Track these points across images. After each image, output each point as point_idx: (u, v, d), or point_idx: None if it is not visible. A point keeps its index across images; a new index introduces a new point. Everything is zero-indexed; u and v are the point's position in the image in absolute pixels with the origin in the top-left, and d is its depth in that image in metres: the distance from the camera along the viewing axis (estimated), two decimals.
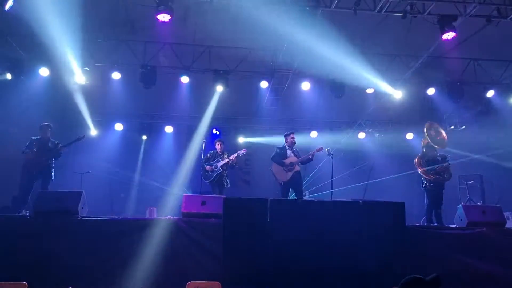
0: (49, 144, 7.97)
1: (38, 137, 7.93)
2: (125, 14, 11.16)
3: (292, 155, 8.59)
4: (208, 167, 8.73)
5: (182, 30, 11.68)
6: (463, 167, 11.52)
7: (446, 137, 8.75)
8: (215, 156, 8.92)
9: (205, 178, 8.79)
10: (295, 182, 8.53)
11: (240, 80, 11.20)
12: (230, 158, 8.71)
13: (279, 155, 8.61)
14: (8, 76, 9.87)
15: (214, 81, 10.85)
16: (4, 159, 7.71)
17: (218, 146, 9.05)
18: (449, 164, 8.26)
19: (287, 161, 8.51)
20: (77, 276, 5.75)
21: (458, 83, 11.00)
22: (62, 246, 5.94)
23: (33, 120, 8.14)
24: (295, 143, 8.76)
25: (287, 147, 8.69)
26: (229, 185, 8.94)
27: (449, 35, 8.16)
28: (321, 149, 8.62)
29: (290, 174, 8.46)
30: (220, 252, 5.82)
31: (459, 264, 6.34)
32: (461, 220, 7.14)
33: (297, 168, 8.51)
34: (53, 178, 8.00)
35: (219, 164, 8.75)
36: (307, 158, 8.64)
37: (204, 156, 8.96)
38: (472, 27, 9.36)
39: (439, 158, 8.28)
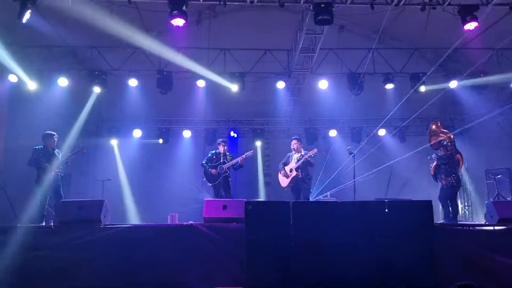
0: (55, 153, 7.86)
1: (41, 147, 7.77)
2: (140, 22, 11.26)
3: (295, 160, 8.36)
4: (213, 171, 8.40)
5: (197, 34, 11.72)
6: (490, 160, 11.22)
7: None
8: (219, 158, 8.55)
9: (210, 181, 8.48)
10: (294, 188, 8.41)
11: (257, 81, 11.12)
12: (239, 160, 8.44)
13: (284, 161, 8.61)
14: (31, 85, 10.01)
15: (230, 83, 10.81)
16: (28, 169, 7.79)
17: (221, 148, 8.65)
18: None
19: (287, 167, 8.46)
20: (102, 285, 5.77)
21: (482, 75, 10.65)
22: (86, 255, 5.97)
23: (54, 130, 8.19)
24: (296, 148, 8.47)
25: (293, 153, 8.54)
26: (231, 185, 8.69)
27: (471, 26, 7.85)
28: (315, 151, 8.40)
29: (287, 180, 8.41)
30: (243, 256, 5.74)
31: (491, 263, 6.09)
32: (492, 216, 6.87)
33: (294, 173, 8.30)
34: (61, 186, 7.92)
35: (225, 166, 8.44)
36: (302, 163, 8.26)
37: (206, 158, 8.71)
38: (494, 16, 9.09)
39: None
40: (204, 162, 8.64)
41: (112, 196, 8.63)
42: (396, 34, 11.88)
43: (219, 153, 8.61)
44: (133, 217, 10.66)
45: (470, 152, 12.94)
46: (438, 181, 8.37)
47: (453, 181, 8.12)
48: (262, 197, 12.57)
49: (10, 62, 9.34)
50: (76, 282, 5.73)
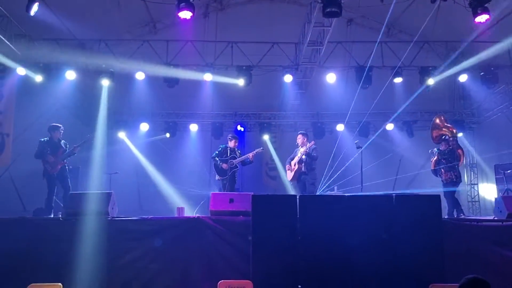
0: (62, 145, 7.93)
1: (47, 139, 7.84)
2: (147, 14, 11.25)
3: (300, 154, 8.49)
4: (224, 165, 8.52)
5: (204, 27, 11.69)
6: (499, 155, 11.10)
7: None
8: (229, 152, 8.65)
9: (220, 174, 8.58)
10: (299, 182, 8.52)
11: (264, 75, 11.05)
12: (250, 156, 8.61)
13: (292, 156, 8.72)
14: (38, 78, 10.04)
15: (237, 77, 10.74)
16: (36, 161, 7.84)
17: (232, 143, 8.79)
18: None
19: (292, 162, 8.62)
20: (110, 277, 5.80)
21: (492, 68, 10.49)
22: (93, 247, 5.99)
23: (62, 122, 8.23)
24: (301, 143, 8.58)
25: (299, 148, 8.64)
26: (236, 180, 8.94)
27: (482, 18, 7.73)
28: (312, 144, 8.48)
29: (291, 174, 8.56)
30: (250, 250, 5.74)
31: (500, 258, 6.03)
32: (501, 211, 6.80)
33: (297, 167, 8.41)
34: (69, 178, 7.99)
35: (235, 161, 8.59)
36: (304, 156, 8.39)
37: (216, 152, 8.83)
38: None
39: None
40: (214, 156, 8.76)
41: (120, 189, 8.62)
42: (405, 27, 11.75)
43: (229, 147, 8.72)
44: (140, 210, 10.67)
45: (479, 146, 12.83)
46: (438, 175, 8.33)
47: (453, 176, 8.11)
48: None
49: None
50: (84, 274, 5.76)
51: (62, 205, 7.81)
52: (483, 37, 9.85)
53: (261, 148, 9.10)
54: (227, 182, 8.48)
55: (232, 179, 8.62)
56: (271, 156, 13.77)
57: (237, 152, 8.75)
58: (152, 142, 12.87)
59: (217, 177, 8.71)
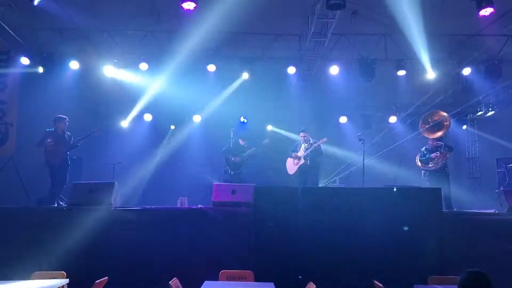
0: (65, 136, 8.04)
1: (52, 129, 7.97)
2: (151, 5, 11.19)
3: (304, 149, 8.64)
4: (237, 159, 8.74)
5: (207, 18, 11.60)
6: (502, 149, 11.08)
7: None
8: (236, 147, 9.04)
9: (233, 169, 8.80)
10: (302, 176, 8.64)
11: (267, 67, 11.02)
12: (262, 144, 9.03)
13: (293, 149, 8.89)
14: (40, 69, 10.06)
15: (240, 69, 10.73)
16: (41, 151, 7.91)
17: (241, 141, 9.25)
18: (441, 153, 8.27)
19: (298, 155, 8.74)
20: (112, 266, 5.87)
21: (496, 62, 10.44)
22: (97, 236, 6.07)
23: (65, 112, 8.28)
24: (304, 141, 8.72)
25: (301, 142, 8.80)
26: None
27: (486, 11, 7.69)
28: (324, 140, 8.58)
29: (295, 167, 8.73)
30: (252, 241, 5.80)
31: (501, 252, 6.07)
32: (501, 205, 6.84)
33: (302, 161, 8.59)
34: (69, 169, 8.07)
35: (245, 154, 8.96)
36: (311, 151, 8.55)
37: (225, 147, 9.01)
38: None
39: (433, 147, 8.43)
40: (225, 150, 9.10)
41: (122, 179, 8.68)
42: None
43: (238, 143, 9.09)
44: (143, 200, 10.75)
45: (481, 140, 12.80)
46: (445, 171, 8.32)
47: (448, 169, 8.32)
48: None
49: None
50: (87, 263, 5.83)
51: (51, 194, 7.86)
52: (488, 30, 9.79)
53: (267, 139, 9.30)
54: (237, 174, 8.86)
55: (242, 171, 9.02)
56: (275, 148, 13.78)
57: (245, 148, 9.15)
58: (154, 133, 12.87)
59: (232, 172, 8.88)
